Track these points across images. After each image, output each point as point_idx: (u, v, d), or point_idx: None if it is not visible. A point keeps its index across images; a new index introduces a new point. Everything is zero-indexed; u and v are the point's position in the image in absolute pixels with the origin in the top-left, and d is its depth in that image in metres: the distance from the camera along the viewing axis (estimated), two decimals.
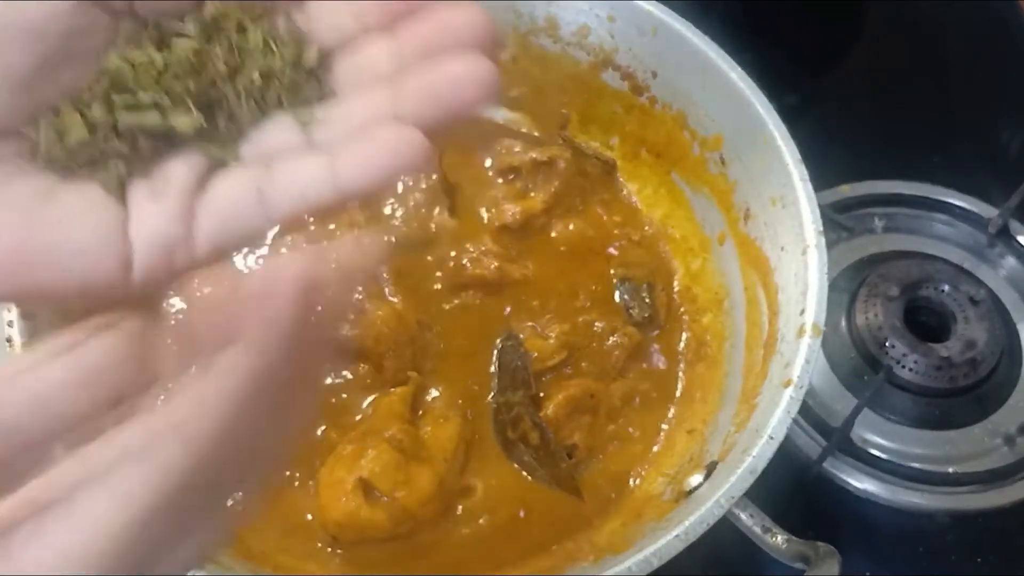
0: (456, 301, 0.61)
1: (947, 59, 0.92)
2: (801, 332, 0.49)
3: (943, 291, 0.69)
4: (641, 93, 0.65)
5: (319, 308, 0.25)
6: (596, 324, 0.61)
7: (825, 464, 0.63)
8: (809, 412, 0.65)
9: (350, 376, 0.56)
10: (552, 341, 0.59)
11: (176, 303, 0.30)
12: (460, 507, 0.53)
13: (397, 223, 0.63)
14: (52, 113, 0.27)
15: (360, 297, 0.57)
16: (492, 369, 0.58)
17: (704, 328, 0.61)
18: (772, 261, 0.56)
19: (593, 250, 0.65)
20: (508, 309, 0.61)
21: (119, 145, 0.27)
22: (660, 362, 0.61)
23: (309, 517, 0.52)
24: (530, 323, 0.60)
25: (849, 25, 0.93)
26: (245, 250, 0.57)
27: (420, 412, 0.56)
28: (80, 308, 0.27)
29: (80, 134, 0.27)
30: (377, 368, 0.56)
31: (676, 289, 0.65)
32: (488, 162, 0.67)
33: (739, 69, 0.58)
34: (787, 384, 0.47)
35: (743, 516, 0.46)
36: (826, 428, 0.64)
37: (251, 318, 0.24)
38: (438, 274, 0.62)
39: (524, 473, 0.55)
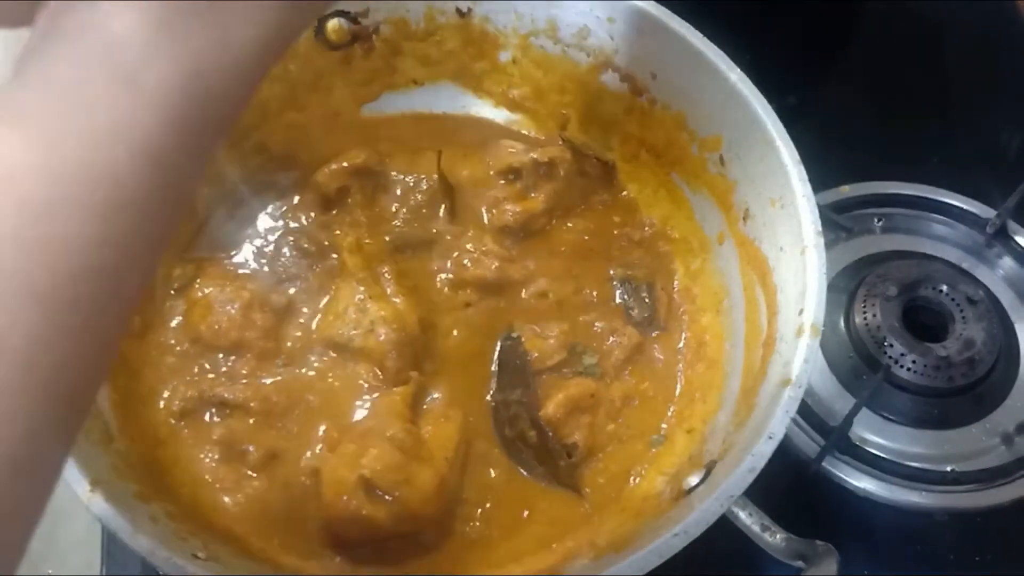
0: (457, 301, 0.61)
1: (946, 59, 0.92)
2: (800, 332, 0.49)
3: (941, 291, 0.69)
4: (641, 94, 0.65)
5: None
6: (596, 324, 0.61)
7: (824, 463, 0.63)
8: (808, 411, 0.65)
9: (352, 376, 0.57)
10: (552, 341, 0.60)
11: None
12: (460, 506, 0.54)
13: (398, 224, 0.63)
14: None
15: (363, 298, 0.57)
16: (492, 368, 0.59)
17: (703, 328, 0.62)
18: (771, 261, 0.56)
19: (593, 250, 0.65)
20: (508, 309, 0.61)
21: None
22: (660, 362, 0.61)
23: (310, 516, 0.52)
24: (530, 323, 0.61)
25: (848, 25, 0.93)
26: None
27: (422, 411, 0.56)
28: None
29: None
30: (378, 368, 0.56)
31: (676, 289, 0.65)
32: (488, 163, 0.67)
33: (738, 70, 0.58)
34: (786, 383, 0.47)
35: (742, 515, 0.46)
36: (825, 427, 0.64)
37: None
38: (439, 275, 0.62)
39: (524, 472, 0.56)
